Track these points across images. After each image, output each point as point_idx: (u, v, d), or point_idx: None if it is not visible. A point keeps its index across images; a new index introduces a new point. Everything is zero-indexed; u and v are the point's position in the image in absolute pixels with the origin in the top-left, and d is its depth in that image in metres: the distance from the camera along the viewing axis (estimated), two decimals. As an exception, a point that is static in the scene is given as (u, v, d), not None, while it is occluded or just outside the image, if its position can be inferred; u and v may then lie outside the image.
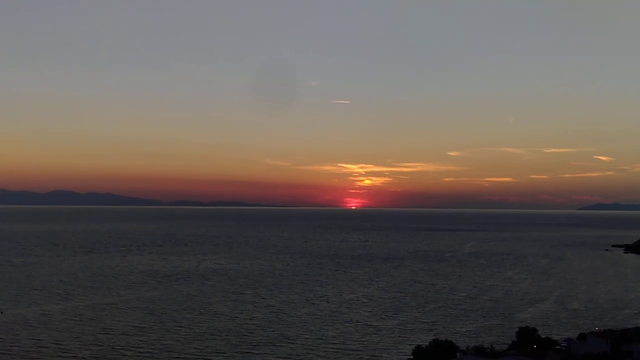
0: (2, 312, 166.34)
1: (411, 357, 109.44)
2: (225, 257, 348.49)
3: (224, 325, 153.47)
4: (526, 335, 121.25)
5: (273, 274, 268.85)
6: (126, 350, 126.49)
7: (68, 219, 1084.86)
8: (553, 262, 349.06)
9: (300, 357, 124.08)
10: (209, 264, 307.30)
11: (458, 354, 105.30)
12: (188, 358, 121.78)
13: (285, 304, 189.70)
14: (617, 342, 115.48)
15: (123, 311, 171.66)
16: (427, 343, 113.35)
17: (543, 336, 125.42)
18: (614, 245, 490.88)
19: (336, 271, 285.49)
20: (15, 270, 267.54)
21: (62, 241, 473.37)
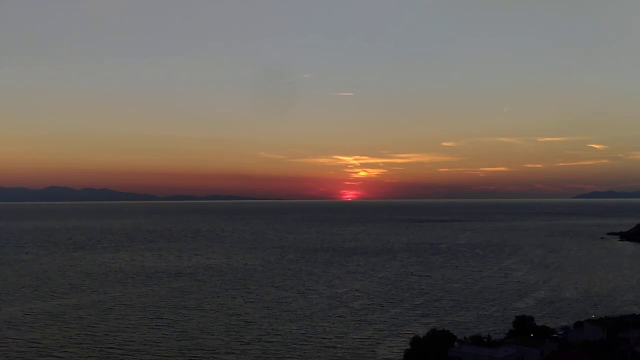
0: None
1: (408, 347, 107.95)
2: (218, 252, 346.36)
3: (214, 322, 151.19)
4: (523, 323, 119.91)
5: (266, 269, 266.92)
6: (114, 349, 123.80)
7: (63, 215, 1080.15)
8: (549, 251, 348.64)
9: (293, 352, 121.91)
10: (201, 259, 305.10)
11: (455, 344, 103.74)
12: (178, 356, 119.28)
13: (278, 298, 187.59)
14: (614, 329, 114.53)
15: (111, 309, 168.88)
16: (424, 333, 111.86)
17: (540, 324, 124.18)
18: (609, 234, 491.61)
19: (330, 264, 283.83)
20: (5, 268, 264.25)
21: (55, 238, 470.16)
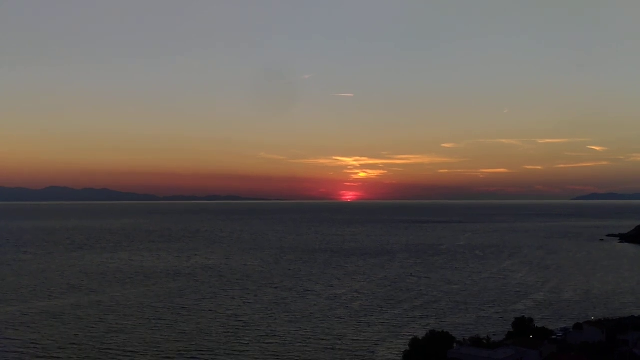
0: None
1: (408, 348, 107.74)
2: (217, 253, 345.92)
3: (213, 323, 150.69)
4: (522, 325, 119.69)
5: (265, 269, 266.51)
6: (112, 350, 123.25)
7: (63, 215, 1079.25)
8: (548, 252, 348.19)
9: (291, 354, 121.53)
10: (199, 260, 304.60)
11: (454, 345, 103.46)
12: (176, 357, 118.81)
13: (277, 299, 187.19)
14: (613, 332, 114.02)
15: (109, 309, 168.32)
16: (424, 335, 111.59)
17: (539, 326, 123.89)
18: (609, 235, 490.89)
19: (329, 265, 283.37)
20: (4, 268, 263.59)
21: (55, 238, 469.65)
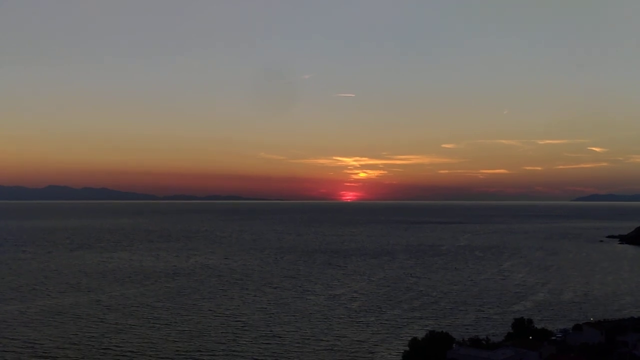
0: None
1: (407, 349, 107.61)
2: (217, 253, 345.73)
3: (212, 323, 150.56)
4: (522, 326, 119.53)
5: (264, 269, 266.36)
6: (109, 350, 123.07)
7: (62, 214, 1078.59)
8: (548, 253, 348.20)
9: (290, 354, 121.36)
10: (199, 260, 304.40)
11: (454, 346, 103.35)
12: (175, 357, 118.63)
13: (276, 299, 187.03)
14: (612, 333, 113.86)
15: (107, 309, 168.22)
16: (423, 335, 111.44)
17: (538, 327, 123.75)
18: (609, 236, 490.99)
19: (328, 266, 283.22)
20: (2, 267, 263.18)
21: (54, 237, 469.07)
